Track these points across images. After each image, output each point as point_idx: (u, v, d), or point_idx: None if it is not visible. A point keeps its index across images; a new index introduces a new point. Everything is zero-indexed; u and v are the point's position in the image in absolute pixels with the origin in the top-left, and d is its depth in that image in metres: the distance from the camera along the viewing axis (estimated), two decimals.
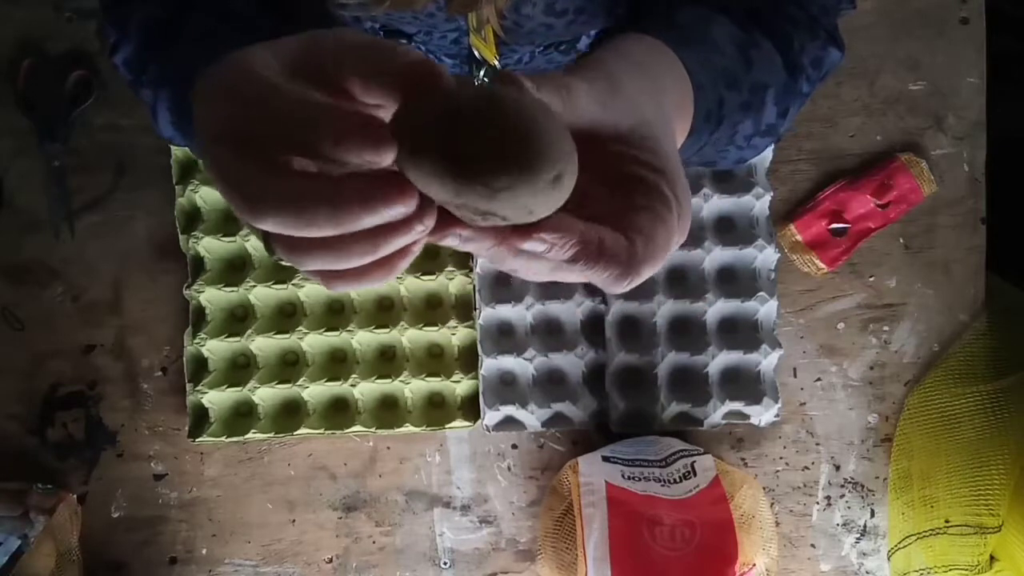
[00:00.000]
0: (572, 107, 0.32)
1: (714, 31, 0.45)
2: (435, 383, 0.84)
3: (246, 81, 0.30)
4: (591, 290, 0.82)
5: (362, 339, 0.84)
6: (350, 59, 0.30)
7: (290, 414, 0.86)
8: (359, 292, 0.85)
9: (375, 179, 0.28)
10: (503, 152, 0.27)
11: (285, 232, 0.29)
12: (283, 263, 0.31)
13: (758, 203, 0.83)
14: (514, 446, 0.86)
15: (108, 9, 0.51)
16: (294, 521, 0.87)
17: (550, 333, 0.85)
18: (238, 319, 0.87)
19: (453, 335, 0.84)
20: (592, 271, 0.32)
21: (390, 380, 0.83)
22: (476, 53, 0.59)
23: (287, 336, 0.83)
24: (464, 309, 0.84)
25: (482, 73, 0.60)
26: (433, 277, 0.83)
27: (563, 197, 0.29)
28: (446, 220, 0.30)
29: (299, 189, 0.28)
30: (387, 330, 0.83)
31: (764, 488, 0.82)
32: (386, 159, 0.28)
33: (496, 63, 0.60)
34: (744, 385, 0.83)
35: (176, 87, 0.47)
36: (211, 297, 0.85)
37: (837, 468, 0.85)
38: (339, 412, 0.86)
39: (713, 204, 0.84)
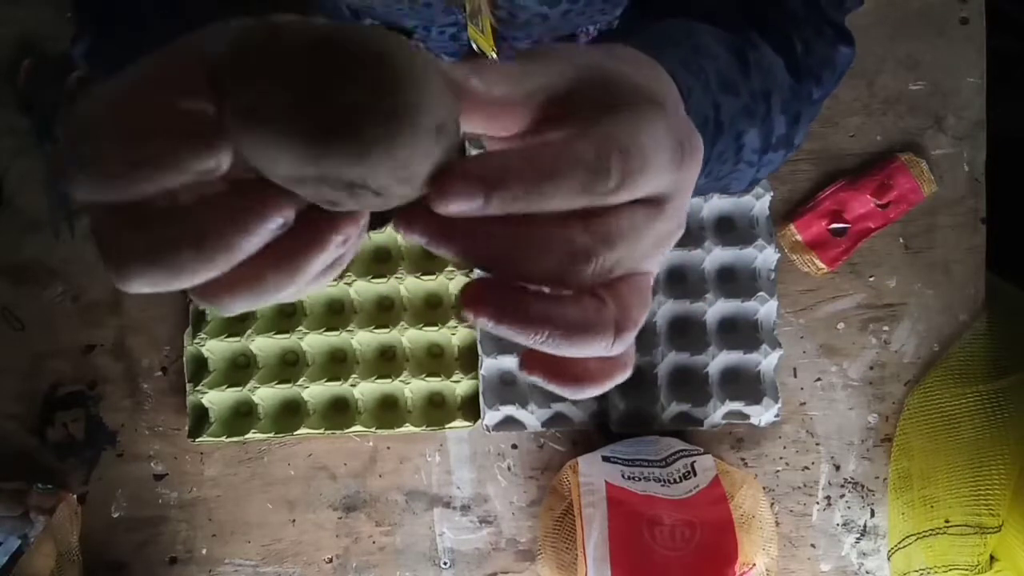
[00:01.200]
0: (487, 79, 0.26)
1: (698, 35, 0.42)
2: (435, 383, 0.84)
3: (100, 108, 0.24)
4: None
5: (362, 339, 0.84)
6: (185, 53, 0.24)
7: (290, 414, 0.86)
8: (359, 292, 0.85)
9: (230, 195, 0.23)
10: (370, 96, 0.21)
11: (157, 289, 0.23)
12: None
13: (758, 203, 0.83)
14: (514, 446, 0.86)
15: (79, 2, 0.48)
16: (294, 521, 0.87)
17: None
18: (238, 319, 0.87)
19: (453, 335, 0.84)
20: (543, 185, 0.23)
21: (390, 380, 0.83)
22: (475, 46, 0.59)
23: (287, 336, 0.83)
24: None
25: None
26: (433, 277, 0.83)
27: (445, 157, 0.23)
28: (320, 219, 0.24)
29: (152, 238, 0.23)
30: (387, 330, 0.83)
31: (764, 488, 0.82)
32: (225, 156, 0.22)
33: (494, 55, 0.60)
34: (744, 385, 0.83)
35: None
36: None
37: (837, 468, 0.85)
38: (339, 412, 0.86)
39: (713, 204, 0.84)
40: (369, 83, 0.21)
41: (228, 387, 0.83)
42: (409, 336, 0.84)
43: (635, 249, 0.26)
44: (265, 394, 0.84)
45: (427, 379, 0.84)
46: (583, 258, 0.24)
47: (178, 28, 0.39)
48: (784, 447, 0.85)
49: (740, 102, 0.41)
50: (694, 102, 0.37)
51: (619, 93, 0.27)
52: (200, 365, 0.85)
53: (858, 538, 0.85)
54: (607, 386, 0.28)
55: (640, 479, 0.76)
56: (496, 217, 0.23)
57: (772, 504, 0.84)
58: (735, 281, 0.84)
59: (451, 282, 0.84)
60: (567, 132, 0.26)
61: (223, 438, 0.84)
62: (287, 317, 0.87)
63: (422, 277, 0.83)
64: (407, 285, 0.84)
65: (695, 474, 0.77)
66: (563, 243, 0.24)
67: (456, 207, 0.23)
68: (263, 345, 0.84)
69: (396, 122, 0.21)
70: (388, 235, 0.86)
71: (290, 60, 0.21)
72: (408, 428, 0.83)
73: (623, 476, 0.76)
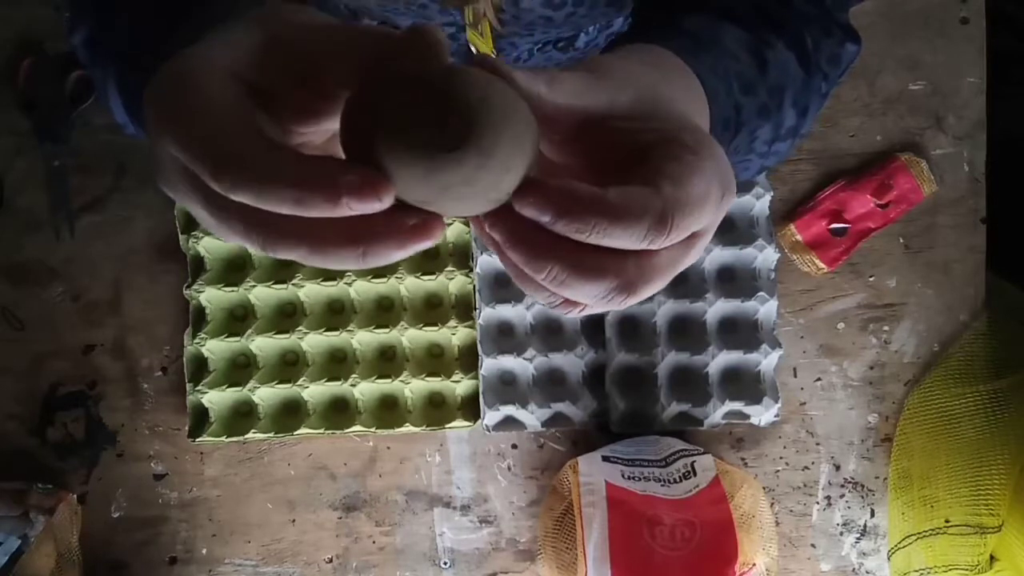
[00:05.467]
0: (556, 90, 0.30)
1: (724, 36, 0.43)
2: (435, 383, 0.84)
3: (198, 102, 0.27)
4: None
5: (362, 339, 0.84)
6: (315, 52, 0.29)
7: (290, 414, 0.86)
8: (359, 292, 0.85)
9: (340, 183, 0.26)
10: (487, 127, 0.26)
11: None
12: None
13: (758, 203, 0.83)
14: (514, 446, 0.86)
15: None
16: (294, 521, 0.87)
17: (550, 333, 0.85)
18: (238, 319, 0.87)
19: (453, 335, 0.84)
20: (612, 230, 0.27)
21: (390, 380, 0.83)
22: (473, 49, 0.59)
23: (287, 336, 0.83)
24: (464, 309, 0.84)
25: None
26: (433, 277, 0.83)
27: (529, 173, 0.28)
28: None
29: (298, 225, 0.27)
30: (387, 330, 0.83)
31: (764, 488, 0.82)
32: (386, 203, 0.26)
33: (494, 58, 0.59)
34: (744, 385, 0.83)
35: (120, 65, 0.44)
36: (211, 297, 0.85)
37: (837, 468, 0.85)
38: (339, 412, 0.86)
39: None
40: (485, 114, 0.26)
41: (228, 387, 0.83)
42: (409, 336, 0.84)
43: (666, 278, 0.30)
44: (265, 394, 0.84)
45: (427, 379, 0.84)
46: (627, 288, 0.29)
47: (178, 14, 0.39)
48: (784, 447, 0.85)
49: (758, 102, 0.43)
50: (718, 106, 0.39)
51: (669, 120, 0.31)
52: (200, 365, 0.85)
53: (858, 538, 0.85)
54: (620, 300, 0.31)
55: (640, 479, 0.76)
56: (566, 239, 0.28)
57: (772, 504, 0.84)
58: (735, 281, 0.84)
59: (451, 282, 0.84)
60: (636, 178, 0.29)
61: (223, 438, 0.84)
62: (287, 317, 0.87)
63: (422, 277, 0.83)
64: (407, 285, 0.84)
65: (695, 474, 0.77)
66: (615, 273, 0.29)
67: (528, 212, 0.27)
68: (263, 345, 0.84)
69: (505, 147, 0.26)
70: None
71: (428, 91, 0.26)
72: (408, 428, 0.83)
73: (623, 476, 0.76)
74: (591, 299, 0.29)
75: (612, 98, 0.31)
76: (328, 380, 0.83)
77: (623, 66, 0.33)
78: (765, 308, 0.82)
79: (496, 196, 0.27)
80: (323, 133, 0.32)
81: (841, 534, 0.85)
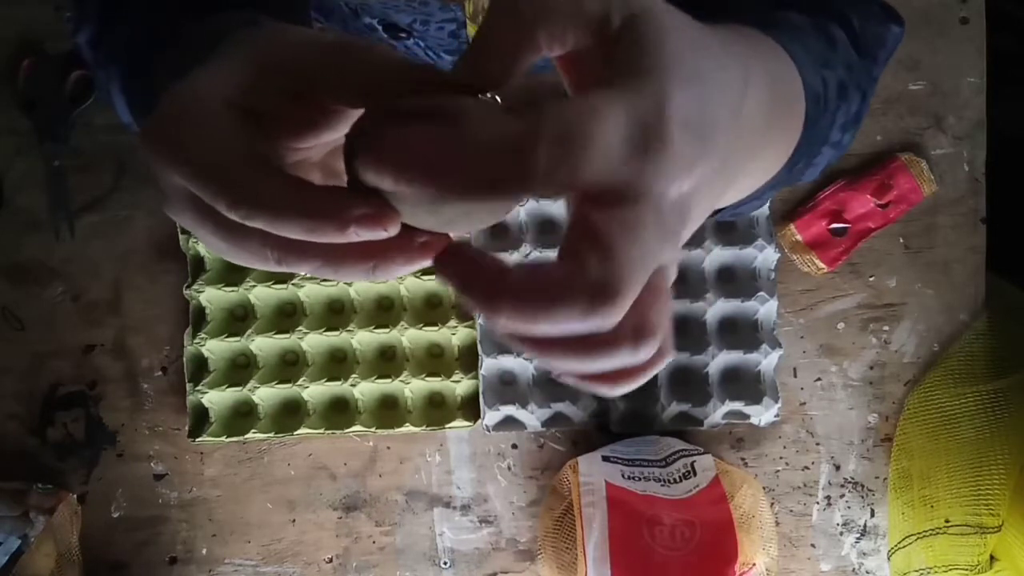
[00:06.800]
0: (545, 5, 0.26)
1: (790, 17, 0.41)
2: (435, 383, 0.84)
3: (200, 135, 0.28)
4: None
5: (362, 339, 0.84)
6: (307, 71, 0.29)
7: (290, 414, 0.86)
8: (359, 292, 0.85)
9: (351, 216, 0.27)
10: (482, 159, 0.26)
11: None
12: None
13: None
14: (514, 446, 0.86)
15: None
16: (294, 521, 0.87)
17: None
18: (238, 319, 0.87)
19: (453, 335, 0.84)
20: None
21: (390, 380, 0.83)
22: None
23: (287, 336, 0.83)
24: (464, 308, 0.84)
25: None
26: (433, 277, 0.83)
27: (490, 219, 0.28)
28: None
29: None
30: (387, 330, 0.83)
31: (764, 488, 0.82)
32: (393, 232, 0.27)
33: None
34: (744, 385, 0.83)
35: (124, 66, 0.44)
36: (211, 297, 0.85)
37: (837, 468, 0.85)
38: (339, 412, 0.86)
39: None
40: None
41: (228, 387, 0.83)
42: (409, 336, 0.84)
43: (646, 264, 0.25)
44: (265, 394, 0.84)
45: (427, 379, 0.84)
46: (603, 291, 0.24)
47: (187, 10, 0.39)
48: (784, 447, 0.85)
49: (837, 76, 0.41)
50: (808, 76, 0.36)
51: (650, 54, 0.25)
52: (200, 365, 0.85)
53: (858, 538, 0.85)
54: (643, 378, 0.28)
55: (640, 479, 0.76)
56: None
57: (772, 504, 0.84)
58: (735, 281, 0.84)
59: None
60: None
61: (223, 438, 0.84)
62: (287, 317, 0.87)
63: (422, 277, 0.83)
64: (407, 285, 0.84)
65: (695, 474, 0.77)
66: (582, 287, 0.24)
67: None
68: (263, 345, 0.84)
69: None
70: None
71: (416, 128, 0.26)
72: (408, 428, 0.83)
73: (623, 476, 0.76)
74: (571, 326, 0.24)
75: (604, 5, 0.26)
76: (328, 380, 0.83)
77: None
78: (765, 308, 0.82)
79: (500, 213, 0.28)
80: (321, 148, 0.33)
81: (841, 534, 0.85)
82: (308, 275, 0.82)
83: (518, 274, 0.25)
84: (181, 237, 0.85)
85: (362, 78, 0.28)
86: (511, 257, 0.82)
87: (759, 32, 0.33)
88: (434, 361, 0.86)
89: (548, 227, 0.85)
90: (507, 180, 0.23)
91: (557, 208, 0.84)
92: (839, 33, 0.43)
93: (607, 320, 0.24)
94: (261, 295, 0.84)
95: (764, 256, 0.82)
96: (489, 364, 0.83)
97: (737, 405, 0.81)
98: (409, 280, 0.83)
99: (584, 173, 0.23)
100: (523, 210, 0.82)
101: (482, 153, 0.24)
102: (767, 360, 0.81)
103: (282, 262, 0.28)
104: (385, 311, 0.87)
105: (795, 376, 0.85)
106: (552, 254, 0.82)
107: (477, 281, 0.25)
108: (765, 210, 0.82)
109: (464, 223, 0.28)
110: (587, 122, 0.23)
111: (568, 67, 0.29)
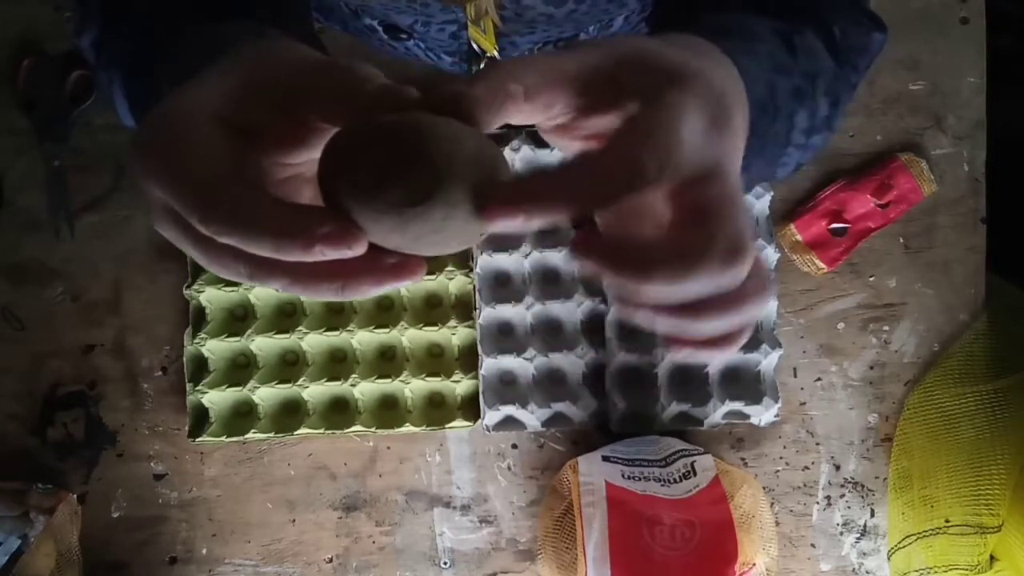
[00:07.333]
0: (517, 74, 0.30)
1: (750, 22, 0.42)
2: (435, 383, 0.84)
3: (184, 150, 0.29)
4: (591, 290, 0.82)
5: (362, 339, 0.84)
6: (296, 89, 0.30)
7: (290, 414, 0.86)
8: None
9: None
10: (435, 182, 0.27)
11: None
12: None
13: (758, 203, 0.83)
14: (514, 446, 0.86)
15: None
16: (294, 521, 0.87)
17: (550, 333, 0.85)
18: (238, 319, 0.87)
19: (453, 335, 0.84)
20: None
21: (390, 380, 0.83)
22: (475, 46, 0.59)
23: (287, 336, 0.83)
24: (464, 309, 0.84)
25: (482, 66, 0.60)
26: (433, 277, 0.83)
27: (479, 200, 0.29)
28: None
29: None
30: (387, 330, 0.83)
31: (764, 488, 0.82)
32: (358, 251, 0.28)
33: (496, 54, 0.60)
34: (744, 385, 0.83)
35: (126, 69, 0.45)
36: (211, 297, 0.85)
37: (837, 468, 0.85)
38: (339, 412, 0.86)
39: None
40: (448, 167, 0.27)
41: (228, 387, 0.83)
42: (409, 336, 0.84)
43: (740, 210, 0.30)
44: (265, 394, 0.84)
45: (427, 379, 0.84)
46: (734, 245, 0.29)
47: (188, 17, 0.40)
48: (784, 447, 0.85)
49: (792, 82, 0.42)
50: (752, 83, 0.38)
51: (660, 71, 0.30)
52: (200, 365, 0.85)
53: (858, 538, 0.85)
54: (757, 304, 0.31)
55: (640, 479, 0.76)
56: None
57: (772, 504, 0.84)
58: None
59: (451, 282, 0.84)
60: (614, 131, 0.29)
61: (223, 438, 0.84)
62: (287, 317, 0.87)
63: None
64: (407, 285, 0.84)
65: (695, 474, 0.77)
66: (718, 247, 0.28)
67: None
68: (263, 345, 0.84)
69: (472, 194, 0.28)
70: None
71: (395, 147, 0.27)
72: (408, 428, 0.83)
73: (623, 476, 0.76)
74: (715, 281, 0.29)
75: (584, 62, 0.30)
76: (328, 380, 0.83)
77: (623, 38, 0.33)
78: (765, 308, 0.82)
79: (469, 238, 0.29)
80: (313, 164, 0.33)
81: (841, 534, 0.85)
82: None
83: (659, 245, 0.29)
84: None
85: (341, 97, 0.29)
86: (511, 257, 0.82)
87: (706, 41, 0.36)
88: (434, 361, 0.86)
89: (556, 328, 0.85)
90: (624, 189, 0.28)
91: None
92: (810, 40, 0.44)
93: (740, 272, 0.29)
94: (261, 295, 0.84)
95: (764, 256, 0.82)
96: (489, 364, 0.83)
97: (737, 405, 0.81)
98: None
99: (683, 168, 0.28)
100: (530, 313, 0.82)
101: (614, 169, 0.28)
102: (767, 360, 0.81)
103: (253, 278, 0.29)
104: (385, 311, 0.87)
105: (795, 376, 0.85)
106: (553, 254, 0.82)
107: (628, 257, 0.28)
108: (765, 210, 0.82)
109: (431, 242, 0.28)
110: (674, 124, 0.28)
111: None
